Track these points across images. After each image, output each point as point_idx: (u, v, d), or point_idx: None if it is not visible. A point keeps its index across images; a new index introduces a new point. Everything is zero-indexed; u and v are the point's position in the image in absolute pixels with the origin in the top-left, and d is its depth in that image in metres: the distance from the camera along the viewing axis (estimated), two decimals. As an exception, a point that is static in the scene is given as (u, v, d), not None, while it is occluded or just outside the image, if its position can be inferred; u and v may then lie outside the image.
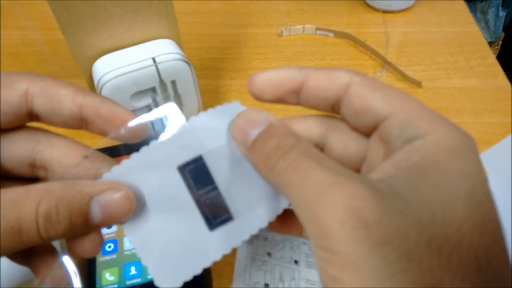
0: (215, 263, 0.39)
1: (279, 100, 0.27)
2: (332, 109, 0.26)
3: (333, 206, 0.19)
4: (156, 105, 0.49)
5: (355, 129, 0.26)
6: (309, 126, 0.28)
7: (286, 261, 0.40)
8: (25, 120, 0.26)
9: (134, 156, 0.26)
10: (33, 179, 0.27)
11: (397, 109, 0.23)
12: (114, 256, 0.41)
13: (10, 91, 0.24)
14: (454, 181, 0.20)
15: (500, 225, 0.20)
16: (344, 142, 0.27)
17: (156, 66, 0.45)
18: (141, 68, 0.44)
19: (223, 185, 0.26)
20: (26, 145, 0.26)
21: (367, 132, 0.25)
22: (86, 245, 0.25)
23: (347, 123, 0.26)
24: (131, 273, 0.40)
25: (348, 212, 0.18)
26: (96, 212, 0.23)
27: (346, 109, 0.25)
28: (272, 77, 0.26)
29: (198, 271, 0.25)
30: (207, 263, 0.25)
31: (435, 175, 0.20)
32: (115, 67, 0.44)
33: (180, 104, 0.51)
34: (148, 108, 0.49)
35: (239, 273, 0.38)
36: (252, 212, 0.26)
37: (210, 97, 0.60)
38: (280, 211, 0.26)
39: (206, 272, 0.40)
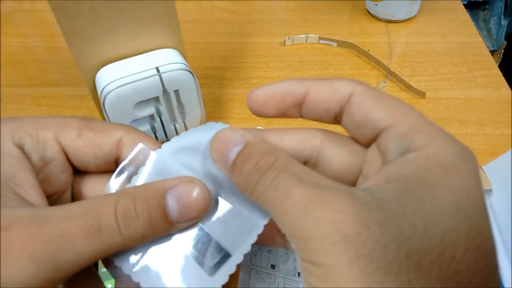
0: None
1: (281, 115, 0.26)
2: (335, 120, 0.26)
3: (314, 221, 0.19)
4: (159, 115, 0.49)
5: (356, 139, 0.26)
6: (301, 137, 0.27)
7: (290, 274, 0.39)
8: (112, 167, 0.27)
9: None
10: None
11: (397, 120, 0.22)
12: (116, 267, 0.41)
13: (107, 136, 0.26)
14: (439, 195, 0.20)
15: (491, 239, 0.20)
16: (340, 155, 0.26)
17: (159, 76, 0.45)
18: (144, 78, 0.44)
19: (208, 222, 0.25)
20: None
21: (367, 143, 0.25)
22: None
23: (348, 133, 0.26)
24: (133, 285, 0.40)
25: (328, 227, 0.19)
26: (173, 205, 0.24)
27: (347, 120, 0.25)
28: (273, 92, 0.25)
29: None
30: None
31: (420, 189, 0.20)
32: (118, 76, 0.44)
33: (183, 113, 0.51)
34: (151, 117, 0.49)
35: (242, 285, 0.38)
36: (246, 239, 0.25)
37: (213, 106, 0.60)
38: (263, 225, 0.26)
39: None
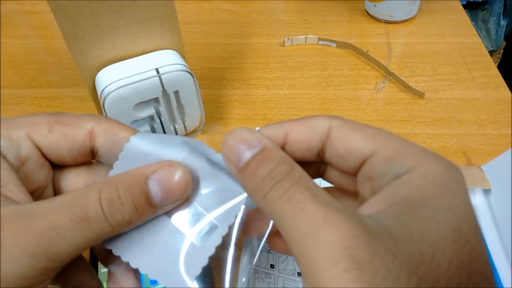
0: (218, 275, 0.39)
1: None
2: (318, 156, 0.26)
3: (326, 244, 0.19)
4: (159, 116, 0.49)
5: (342, 171, 0.26)
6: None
7: (289, 273, 0.40)
8: (88, 158, 0.28)
9: None
10: None
11: (380, 147, 0.23)
12: (116, 267, 0.41)
13: (78, 129, 0.27)
14: (442, 218, 0.20)
15: (488, 261, 0.20)
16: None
17: (159, 77, 0.45)
18: (144, 79, 0.44)
19: (195, 196, 0.26)
20: (89, 178, 0.28)
21: (354, 172, 0.25)
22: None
23: (333, 166, 0.26)
24: (133, 285, 0.40)
25: (341, 252, 0.18)
26: (155, 189, 0.24)
27: (330, 154, 0.25)
28: None
29: (199, 271, 0.25)
30: (204, 262, 0.25)
31: (424, 211, 0.20)
32: (118, 77, 0.44)
33: (182, 114, 0.51)
34: (151, 118, 0.50)
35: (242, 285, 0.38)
36: (230, 211, 0.26)
37: (213, 107, 0.60)
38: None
39: (209, 284, 0.40)
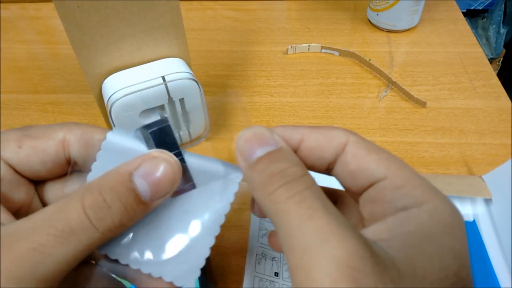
0: (223, 283, 0.39)
1: None
2: (327, 169, 0.25)
3: (330, 259, 0.18)
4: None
5: (347, 188, 0.25)
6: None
7: (293, 281, 0.40)
8: (66, 168, 0.27)
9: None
10: None
11: (392, 173, 0.23)
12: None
13: (48, 140, 0.25)
14: (445, 258, 0.20)
15: None
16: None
17: (165, 84, 0.45)
18: (151, 87, 0.45)
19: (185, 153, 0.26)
20: (73, 188, 0.27)
21: (359, 192, 0.24)
22: None
23: (340, 182, 0.25)
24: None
25: (343, 271, 0.18)
26: (143, 185, 0.23)
27: (340, 169, 0.24)
28: None
29: (208, 252, 0.25)
30: (212, 242, 0.25)
31: (429, 248, 0.20)
32: (125, 85, 0.45)
33: (187, 121, 0.52)
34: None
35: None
36: (228, 189, 0.26)
37: (217, 114, 0.61)
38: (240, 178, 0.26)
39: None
